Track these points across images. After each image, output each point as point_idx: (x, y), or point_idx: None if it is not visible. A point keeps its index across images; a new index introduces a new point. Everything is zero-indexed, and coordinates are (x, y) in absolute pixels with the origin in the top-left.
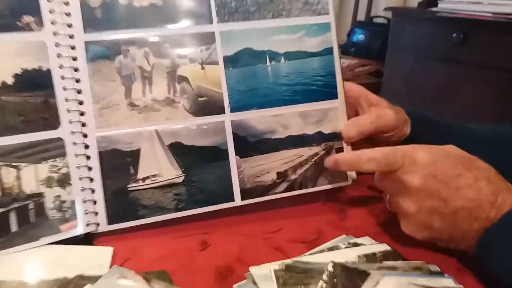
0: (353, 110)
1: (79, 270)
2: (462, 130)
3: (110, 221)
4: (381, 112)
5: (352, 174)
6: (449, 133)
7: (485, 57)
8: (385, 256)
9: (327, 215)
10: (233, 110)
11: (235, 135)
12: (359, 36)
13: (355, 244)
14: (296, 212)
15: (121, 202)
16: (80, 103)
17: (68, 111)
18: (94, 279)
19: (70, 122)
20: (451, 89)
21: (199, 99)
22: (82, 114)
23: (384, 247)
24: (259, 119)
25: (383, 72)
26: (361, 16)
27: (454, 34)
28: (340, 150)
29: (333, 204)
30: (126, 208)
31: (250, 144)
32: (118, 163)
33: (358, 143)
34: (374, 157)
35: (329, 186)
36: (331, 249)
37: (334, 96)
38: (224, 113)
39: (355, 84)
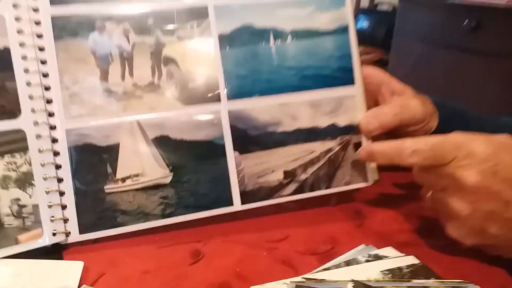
0: (372, 99)
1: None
2: (495, 124)
3: (83, 230)
4: (405, 103)
5: (374, 173)
6: (482, 127)
7: (497, 45)
8: (414, 272)
9: (341, 220)
10: (230, 97)
11: (233, 128)
12: (363, 24)
13: (377, 257)
14: (305, 216)
15: (96, 207)
16: (46, 88)
17: (31, 97)
18: None
19: (33, 111)
20: (459, 78)
21: (190, 84)
22: (48, 101)
23: (412, 260)
24: (262, 108)
25: (387, 61)
26: (364, 3)
27: (466, 21)
28: (359, 145)
29: (347, 206)
30: (102, 214)
31: (252, 138)
32: (92, 161)
33: (377, 138)
34: (420, 148)
35: (345, 188)
36: (348, 263)
37: (350, 82)
38: (220, 101)
39: (376, 68)
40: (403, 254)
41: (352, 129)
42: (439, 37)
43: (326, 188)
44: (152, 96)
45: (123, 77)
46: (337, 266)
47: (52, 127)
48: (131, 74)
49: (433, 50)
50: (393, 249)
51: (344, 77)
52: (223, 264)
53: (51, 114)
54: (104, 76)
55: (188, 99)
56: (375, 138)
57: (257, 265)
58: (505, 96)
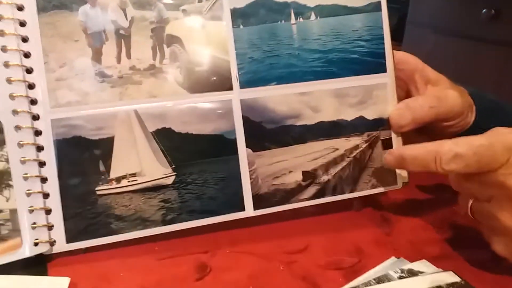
0: (403, 89)
1: None
2: None
3: (71, 238)
4: (442, 94)
5: (404, 175)
6: None
7: None
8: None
9: (367, 228)
10: (244, 85)
11: (246, 120)
12: None
13: (412, 273)
14: (326, 223)
15: (87, 211)
16: (28, 71)
17: (9, 81)
18: None
19: (12, 97)
20: (475, 70)
21: (197, 68)
22: (30, 86)
23: (451, 277)
24: (280, 98)
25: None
26: None
27: (484, 10)
28: (388, 142)
29: (371, 211)
30: (94, 220)
31: (267, 132)
32: (82, 157)
33: (408, 135)
34: (461, 153)
35: (372, 191)
36: (380, 280)
37: (381, 69)
38: (231, 89)
39: (409, 54)
40: (440, 270)
41: (382, 124)
42: (455, 27)
43: (351, 191)
44: (152, 82)
45: (118, 59)
46: (367, 284)
47: (35, 117)
48: (128, 55)
49: (448, 41)
50: (428, 263)
51: (374, 63)
52: (234, 279)
53: (33, 102)
54: (97, 57)
55: (194, 86)
56: (406, 135)
57: (273, 281)
58: None
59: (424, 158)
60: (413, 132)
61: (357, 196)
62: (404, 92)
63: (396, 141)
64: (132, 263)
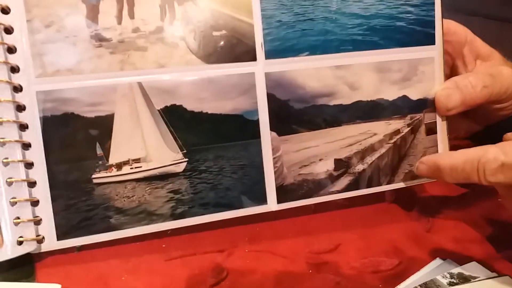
0: (449, 65)
1: None
2: None
3: (62, 235)
4: (496, 71)
5: None
6: None
7: None
8: None
9: (403, 223)
10: (270, 55)
11: (271, 98)
12: None
13: (463, 278)
14: (357, 217)
15: (81, 203)
16: (7, 30)
17: None
18: None
19: None
20: (501, 51)
21: (214, 33)
22: (10, 50)
23: (509, 282)
24: (311, 72)
25: None
26: None
27: None
28: (432, 127)
29: (407, 203)
30: (89, 214)
31: (295, 113)
32: (75, 138)
33: (455, 119)
34: (510, 163)
35: (412, 183)
36: (427, 287)
37: (430, 40)
38: (255, 59)
39: (457, 23)
40: (494, 274)
41: (426, 105)
42: (479, 5)
43: (388, 183)
44: (160, 48)
45: (119, 19)
46: None
47: (17, 88)
48: (131, 14)
49: (472, 20)
50: (479, 266)
51: (422, 33)
52: (255, 285)
53: (14, 69)
54: (93, 15)
55: (210, 55)
56: (452, 118)
57: (300, 287)
58: None
59: (464, 168)
60: (456, 115)
61: (395, 188)
62: (450, 67)
63: (441, 126)
64: (135, 264)
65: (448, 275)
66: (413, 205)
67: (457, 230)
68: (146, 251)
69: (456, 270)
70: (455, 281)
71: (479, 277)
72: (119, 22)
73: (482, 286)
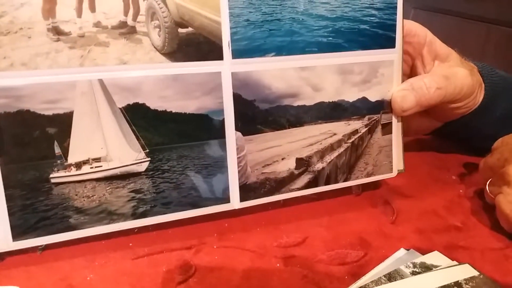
0: (409, 64)
1: None
2: None
3: (18, 235)
4: (451, 73)
5: (400, 162)
6: None
7: (498, 10)
8: (474, 286)
9: (369, 215)
10: (237, 54)
11: (237, 98)
12: None
13: (425, 267)
14: (324, 210)
15: (38, 203)
16: None
17: None
18: None
19: None
20: (457, 45)
21: (180, 30)
22: None
23: (469, 270)
24: (277, 73)
25: None
26: None
27: None
28: (388, 127)
29: (373, 195)
30: (48, 213)
31: (260, 113)
32: (30, 136)
33: (411, 117)
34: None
35: (366, 180)
36: (391, 277)
37: (391, 43)
38: (221, 58)
39: (418, 24)
40: (455, 262)
41: (384, 106)
42: (436, 2)
43: (345, 180)
44: (123, 44)
45: (79, 12)
46: (377, 282)
47: None
48: (91, 7)
49: (430, 17)
50: (441, 255)
51: (384, 36)
52: (224, 281)
53: None
54: (50, 6)
55: (176, 52)
56: (408, 117)
57: (271, 282)
58: (502, 64)
59: None
60: (417, 113)
61: (350, 185)
62: (409, 67)
63: (396, 126)
64: (101, 263)
65: (411, 265)
66: (379, 198)
67: (420, 221)
68: (112, 249)
69: (419, 259)
70: (417, 270)
71: (440, 265)
72: (79, 15)
73: (443, 274)
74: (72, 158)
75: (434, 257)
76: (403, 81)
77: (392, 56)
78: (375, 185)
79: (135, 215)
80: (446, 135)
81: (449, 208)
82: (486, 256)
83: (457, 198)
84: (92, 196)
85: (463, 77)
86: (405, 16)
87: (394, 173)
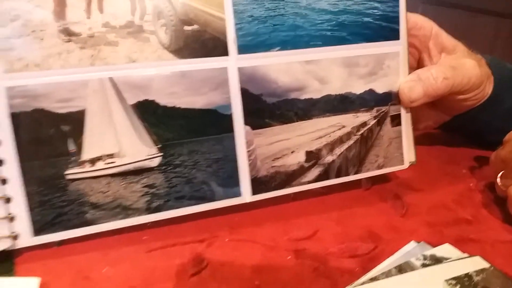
0: (415, 57)
1: None
2: None
3: (38, 231)
4: (458, 64)
5: (411, 154)
6: None
7: (507, 4)
8: (485, 279)
9: (379, 208)
10: (242, 50)
11: (244, 93)
12: None
13: (435, 259)
14: (334, 204)
15: (56, 199)
16: None
17: None
18: None
19: None
20: (466, 39)
21: (186, 28)
22: None
23: (480, 263)
24: (283, 67)
25: None
26: None
27: None
28: (396, 119)
29: (382, 189)
30: (64, 209)
31: (268, 107)
32: (47, 134)
33: (419, 109)
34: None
35: (378, 172)
36: (401, 269)
37: (395, 35)
38: (227, 54)
39: (423, 17)
40: (466, 255)
41: (392, 98)
42: None
43: (356, 173)
44: (131, 43)
45: (88, 13)
46: (387, 274)
47: None
48: (100, 8)
49: (436, 10)
50: (452, 247)
51: (388, 28)
52: (236, 273)
53: None
54: (60, 9)
55: (183, 49)
56: (417, 109)
57: (281, 274)
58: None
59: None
60: (425, 106)
61: (362, 177)
62: (416, 60)
63: (405, 117)
64: (116, 256)
65: (421, 257)
66: (388, 191)
67: (430, 215)
68: (127, 243)
69: (429, 252)
70: (428, 262)
71: (451, 258)
72: (88, 16)
73: (454, 266)
74: (86, 155)
75: (445, 250)
76: (410, 74)
77: (397, 48)
78: (385, 179)
79: (149, 210)
80: (455, 129)
81: (459, 202)
82: (497, 249)
83: (467, 191)
84: (106, 191)
85: (471, 68)
86: (413, 11)
87: (405, 165)
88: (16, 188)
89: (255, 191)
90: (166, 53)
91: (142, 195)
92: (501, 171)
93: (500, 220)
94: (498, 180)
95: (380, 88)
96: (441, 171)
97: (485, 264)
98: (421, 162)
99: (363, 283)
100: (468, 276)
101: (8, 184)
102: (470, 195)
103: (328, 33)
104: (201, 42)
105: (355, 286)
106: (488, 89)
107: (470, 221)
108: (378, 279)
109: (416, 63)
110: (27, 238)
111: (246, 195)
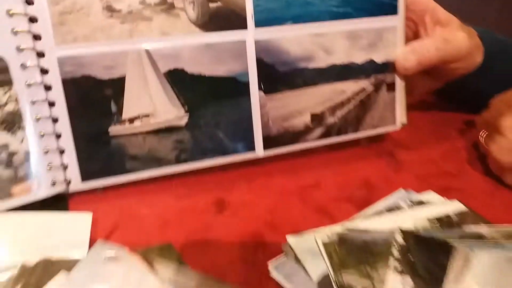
0: (412, 30)
1: (44, 251)
2: None
3: (86, 177)
4: (450, 36)
5: (403, 116)
6: None
7: None
8: (462, 218)
9: (374, 163)
10: (259, 23)
11: (260, 62)
12: None
13: (420, 203)
14: (335, 159)
15: (100, 151)
16: (28, 2)
17: (10, 14)
18: (68, 263)
19: (14, 32)
20: (459, 12)
21: (211, 4)
22: (32, 20)
23: (458, 206)
24: (294, 39)
25: None
26: None
27: None
28: (392, 86)
29: (378, 147)
30: (108, 160)
31: (280, 75)
32: (93, 97)
33: (414, 77)
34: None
35: (373, 132)
36: (390, 209)
37: (393, 10)
38: (246, 28)
39: None
40: (446, 199)
41: (389, 67)
42: None
43: (354, 131)
44: (164, 18)
45: None
46: (379, 213)
47: (40, 54)
48: None
49: None
50: (435, 194)
51: (387, 4)
52: (252, 212)
53: (37, 37)
54: None
55: (208, 23)
56: (411, 76)
57: (290, 213)
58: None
59: None
60: (419, 75)
61: (359, 137)
62: (413, 33)
63: (399, 84)
64: (151, 200)
65: (408, 201)
66: (384, 149)
67: (420, 169)
68: (160, 190)
69: (415, 197)
70: (414, 205)
71: (433, 202)
72: None
73: (435, 208)
74: (125, 115)
75: (429, 196)
76: (406, 45)
77: (395, 22)
78: (381, 139)
79: (179, 161)
80: (447, 95)
81: (446, 158)
82: (476, 196)
83: (454, 150)
84: (143, 145)
85: (461, 40)
86: None
87: (397, 126)
88: (68, 142)
89: (267, 147)
90: (194, 27)
91: (173, 149)
92: (484, 131)
93: (481, 174)
94: (481, 138)
95: (379, 58)
96: (432, 133)
97: (463, 208)
98: (415, 125)
99: (356, 219)
100: (447, 216)
101: (61, 138)
102: (456, 153)
103: (335, 8)
104: (224, 17)
105: (352, 221)
106: (478, 58)
107: (454, 174)
108: (371, 217)
109: (413, 35)
110: (77, 184)
111: (259, 150)
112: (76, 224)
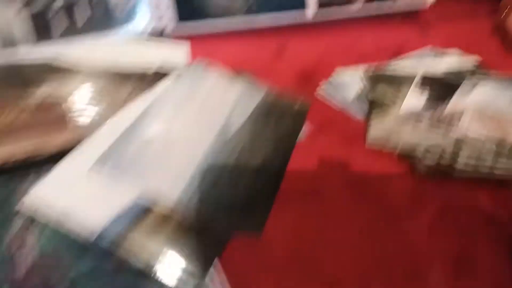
0: None
1: (155, 63)
2: None
3: (180, 19)
4: None
5: None
6: None
7: None
8: (477, 66)
9: (409, 30)
10: None
11: None
12: None
13: (444, 54)
14: (375, 24)
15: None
16: None
17: None
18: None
19: None
20: None
21: None
22: None
23: (475, 57)
24: None
25: None
26: None
27: None
28: None
29: (411, 21)
30: (198, 5)
31: None
32: None
33: None
34: None
35: (406, 7)
36: (419, 57)
37: None
38: None
39: None
40: (467, 54)
41: None
42: None
43: (390, 7)
44: None
45: None
46: (407, 58)
47: None
48: None
49: None
50: (459, 50)
51: None
52: (307, 54)
53: None
54: None
55: None
56: None
57: (337, 56)
58: None
59: None
60: None
61: (395, 11)
62: None
63: None
64: (228, 44)
65: (434, 53)
66: (415, 23)
67: (448, 36)
68: (234, 38)
69: (441, 51)
70: (438, 55)
71: (455, 54)
72: None
73: (456, 58)
74: None
75: (454, 51)
76: None
77: None
78: (414, 13)
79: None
80: None
81: (471, 33)
82: (496, 57)
83: (479, 24)
84: None
85: None
86: None
87: (426, 4)
88: None
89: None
90: None
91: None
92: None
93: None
94: (503, 14)
95: None
96: (462, 12)
97: (479, 58)
98: (445, 4)
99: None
100: (465, 66)
101: None
102: (480, 30)
103: None
104: None
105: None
106: None
107: (477, 41)
108: (402, 60)
109: None
110: (173, 23)
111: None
112: (176, 50)
